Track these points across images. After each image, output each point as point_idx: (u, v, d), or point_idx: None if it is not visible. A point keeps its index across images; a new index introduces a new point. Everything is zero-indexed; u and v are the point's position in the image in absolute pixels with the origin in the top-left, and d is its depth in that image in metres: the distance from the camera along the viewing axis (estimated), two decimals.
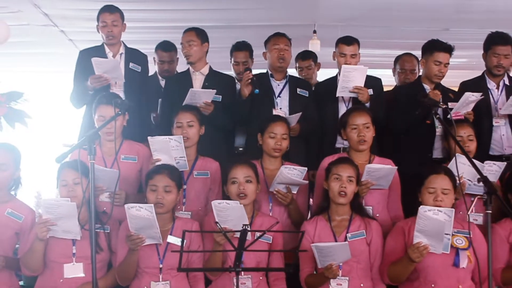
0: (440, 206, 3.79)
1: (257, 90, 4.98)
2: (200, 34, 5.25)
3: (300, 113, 4.96)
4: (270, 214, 4.44)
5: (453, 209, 3.67)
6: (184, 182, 4.49)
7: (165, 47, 6.15)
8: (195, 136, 4.61)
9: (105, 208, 4.35)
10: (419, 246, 3.67)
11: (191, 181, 4.56)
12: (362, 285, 4.02)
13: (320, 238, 4.08)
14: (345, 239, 4.05)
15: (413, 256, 3.69)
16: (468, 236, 3.90)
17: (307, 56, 6.57)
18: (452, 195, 3.96)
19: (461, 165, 4.14)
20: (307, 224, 4.18)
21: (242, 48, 6.04)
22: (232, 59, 6.08)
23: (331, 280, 3.95)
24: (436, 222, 3.62)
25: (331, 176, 4.13)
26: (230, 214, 3.83)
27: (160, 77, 6.07)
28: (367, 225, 4.12)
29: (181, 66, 6.25)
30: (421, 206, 3.71)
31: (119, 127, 4.53)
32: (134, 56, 5.39)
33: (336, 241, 4.05)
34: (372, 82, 5.23)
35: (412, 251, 3.69)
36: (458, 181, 4.22)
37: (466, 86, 5.33)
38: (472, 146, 4.64)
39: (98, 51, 5.22)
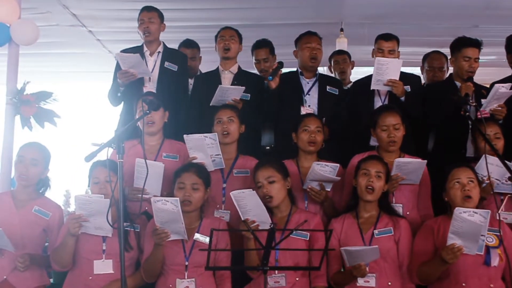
0: (469, 196, 3.81)
1: (270, 77, 4.96)
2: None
3: (323, 119, 4.92)
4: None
5: (489, 211, 3.63)
6: (224, 180, 4.54)
7: (188, 44, 6.19)
8: (236, 131, 4.63)
9: (146, 208, 4.36)
10: (454, 248, 3.63)
11: (231, 180, 4.57)
12: (389, 283, 4.00)
13: (347, 235, 4.08)
14: (372, 236, 4.04)
15: (447, 257, 3.65)
16: (498, 234, 3.86)
17: (342, 52, 6.66)
18: (478, 188, 3.93)
19: (489, 165, 4.10)
20: (334, 222, 4.17)
21: (262, 45, 6.06)
22: (254, 58, 6.10)
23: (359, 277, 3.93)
24: (472, 225, 3.58)
25: (360, 171, 4.13)
26: (247, 203, 3.87)
27: None
28: (395, 223, 4.09)
29: (204, 64, 6.30)
30: (456, 208, 3.67)
31: (160, 119, 4.64)
32: (172, 55, 5.44)
33: (362, 238, 4.04)
34: (411, 79, 5.20)
35: (446, 253, 3.65)
36: (486, 181, 4.19)
37: None
38: (499, 144, 4.57)
39: (136, 50, 5.29)
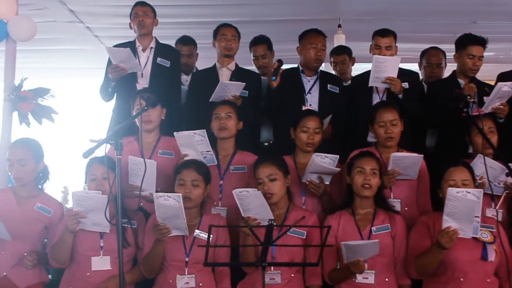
0: None
1: (274, 77, 4.96)
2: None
3: (330, 116, 4.92)
4: (303, 207, 4.43)
5: (482, 190, 3.62)
6: (221, 177, 4.53)
7: (184, 41, 6.19)
8: (233, 127, 4.63)
9: (141, 204, 4.38)
10: (449, 231, 3.62)
11: (228, 176, 4.57)
12: (386, 279, 4.00)
13: (344, 232, 4.07)
14: (370, 233, 4.04)
15: (443, 241, 3.63)
16: (493, 230, 3.88)
17: (342, 51, 6.59)
18: (473, 187, 3.92)
19: (482, 165, 4.12)
20: (331, 218, 4.16)
21: (260, 42, 6.05)
22: (252, 54, 6.10)
23: (357, 274, 3.93)
24: (465, 203, 3.56)
25: (354, 169, 4.12)
26: (251, 202, 3.87)
27: None
28: (392, 219, 4.09)
29: (200, 61, 6.29)
30: (449, 188, 3.66)
31: (157, 117, 4.65)
32: (164, 51, 5.44)
33: (361, 235, 4.04)
34: (409, 75, 5.20)
35: (441, 236, 3.63)
36: (478, 180, 4.20)
37: (504, 77, 5.20)
38: (493, 139, 4.54)
39: (129, 45, 5.26)
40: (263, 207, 3.88)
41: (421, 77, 6.12)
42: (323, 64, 5.57)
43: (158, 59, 5.35)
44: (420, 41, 7.08)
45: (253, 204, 3.87)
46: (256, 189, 3.94)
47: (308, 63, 5.28)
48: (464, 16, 6.98)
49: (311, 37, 5.28)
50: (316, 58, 5.23)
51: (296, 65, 5.40)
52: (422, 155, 4.40)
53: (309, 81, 5.29)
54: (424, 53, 6.08)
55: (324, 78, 5.35)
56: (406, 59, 7.28)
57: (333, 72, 6.36)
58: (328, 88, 5.26)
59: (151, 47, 5.40)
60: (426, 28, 7.44)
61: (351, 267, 3.82)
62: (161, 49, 5.43)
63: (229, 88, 4.96)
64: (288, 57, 5.49)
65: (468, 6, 6.70)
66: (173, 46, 5.92)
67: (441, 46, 6.04)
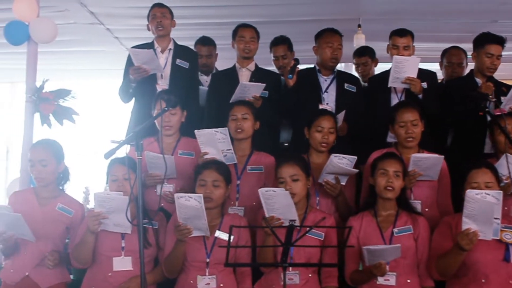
0: None
1: (290, 75, 4.95)
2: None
3: (344, 111, 4.89)
4: (317, 208, 4.42)
5: (501, 192, 3.59)
6: (238, 177, 4.53)
7: (204, 42, 6.21)
8: (250, 129, 4.62)
9: (162, 205, 4.41)
10: (469, 233, 3.59)
11: (245, 176, 4.57)
12: (408, 281, 3.98)
13: (366, 234, 4.06)
14: (392, 234, 4.03)
15: (462, 243, 3.60)
16: None
17: (364, 53, 6.61)
18: (497, 189, 3.86)
19: (510, 165, 4.08)
20: (353, 220, 4.15)
21: (280, 42, 6.06)
22: (272, 55, 6.10)
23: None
24: (485, 204, 3.53)
25: (378, 171, 4.10)
26: (276, 201, 3.84)
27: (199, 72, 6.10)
28: (414, 221, 4.07)
29: (220, 62, 6.30)
30: (468, 190, 3.63)
31: (177, 122, 4.66)
32: (182, 52, 5.45)
33: (382, 236, 4.02)
34: (427, 75, 5.17)
35: (461, 238, 3.60)
36: (505, 180, 4.17)
37: None
38: None
39: (147, 47, 5.29)
40: (289, 207, 3.85)
41: (441, 77, 6.11)
42: (342, 65, 5.56)
43: (177, 61, 5.36)
44: (440, 41, 7.04)
45: (278, 203, 3.85)
46: (283, 188, 3.91)
47: (324, 63, 5.26)
48: (484, 15, 6.93)
49: (327, 36, 5.26)
50: (332, 57, 5.21)
51: (312, 65, 5.39)
52: (443, 156, 4.37)
53: (325, 80, 5.27)
54: (445, 52, 6.06)
55: (341, 77, 5.33)
56: (426, 59, 7.25)
57: (356, 74, 6.34)
58: (345, 87, 5.24)
59: (170, 49, 5.41)
60: (446, 27, 7.40)
61: (373, 269, 3.80)
62: (180, 51, 5.44)
63: (249, 89, 4.96)
64: (308, 58, 5.48)
65: (489, 5, 6.65)
66: (192, 47, 5.93)
67: (461, 46, 6.01)
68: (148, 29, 5.45)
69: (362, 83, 5.78)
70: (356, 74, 6.55)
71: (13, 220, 4.00)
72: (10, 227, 4.03)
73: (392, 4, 6.72)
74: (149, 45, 5.38)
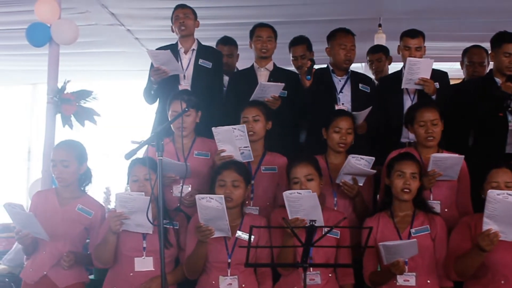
0: None
1: (308, 77, 4.93)
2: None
3: (369, 109, 4.86)
4: (335, 208, 4.42)
5: None
6: (252, 177, 4.51)
7: (225, 41, 6.23)
8: (261, 130, 4.62)
9: (179, 205, 4.43)
10: (490, 234, 3.56)
11: (259, 177, 4.57)
12: (428, 281, 3.96)
13: (383, 235, 4.04)
14: (409, 235, 4.01)
15: (483, 244, 3.56)
16: None
17: (378, 50, 6.62)
18: None
19: None
20: (370, 221, 4.13)
21: (299, 42, 6.06)
22: (291, 54, 6.09)
23: (398, 276, 3.89)
24: (507, 205, 3.49)
25: (394, 173, 4.08)
26: (302, 203, 3.82)
27: None
28: (431, 221, 4.05)
29: (241, 62, 6.30)
30: (490, 190, 3.59)
31: (191, 123, 4.66)
32: (206, 52, 5.45)
33: (400, 237, 4.00)
34: (439, 76, 5.14)
35: (481, 239, 3.57)
36: None
37: None
38: None
39: (171, 48, 5.30)
40: (314, 208, 3.83)
41: (463, 76, 6.07)
42: (363, 64, 5.54)
43: (200, 61, 5.35)
44: (461, 40, 6.99)
45: (305, 205, 3.82)
46: (310, 190, 3.87)
47: (338, 64, 5.24)
48: (506, 13, 6.86)
49: (340, 37, 5.23)
50: (346, 59, 5.19)
51: (325, 65, 5.37)
52: (463, 156, 4.34)
53: (340, 80, 5.26)
54: (466, 51, 6.01)
55: (355, 77, 5.31)
56: (446, 58, 7.23)
57: (370, 71, 6.32)
58: (360, 88, 5.23)
59: (193, 49, 5.41)
60: (467, 26, 7.34)
61: (391, 268, 3.79)
62: (203, 51, 5.44)
63: (268, 89, 4.96)
64: (328, 58, 5.46)
65: (510, 3, 6.59)
66: (212, 46, 5.94)
67: (483, 45, 5.96)
68: (172, 31, 5.47)
69: (375, 81, 5.76)
70: (369, 71, 6.54)
71: (27, 219, 4.04)
72: (25, 226, 4.07)
73: (412, 3, 6.68)
74: (173, 46, 5.39)
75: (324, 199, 4.33)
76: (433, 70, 5.05)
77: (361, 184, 4.40)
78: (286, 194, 3.84)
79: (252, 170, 4.55)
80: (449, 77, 5.40)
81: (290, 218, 3.83)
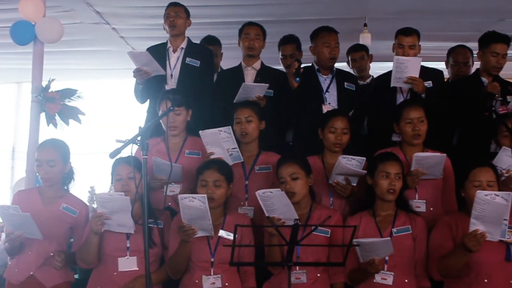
0: None
1: (298, 79, 4.93)
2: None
3: (353, 111, 4.88)
4: (331, 208, 4.42)
5: (510, 193, 3.52)
6: (246, 177, 4.54)
7: (209, 41, 6.20)
8: (254, 131, 4.61)
9: (170, 204, 4.40)
10: (476, 234, 3.56)
11: (253, 176, 4.57)
12: (406, 281, 3.97)
13: (365, 234, 4.04)
14: (391, 235, 4.01)
15: (470, 244, 3.57)
16: None
17: (359, 48, 6.64)
18: (497, 188, 3.85)
19: (508, 158, 4.06)
20: (351, 220, 4.13)
21: (288, 41, 6.06)
22: (280, 53, 6.08)
23: (376, 274, 3.91)
24: (495, 206, 3.50)
25: (379, 173, 4.08)
26: (274, 202, 3.85)
27: None
28: (412, 221, 4.07)
29: (226, 61, 6.29)
30: (478, 191, 3.58)
31: (182, 122, 4.64)
32: (194, 51, 5.42)
33: (381, 236, 4.01)
34: (433, 74, 5.17)
35: (468, 240, 3.57)
36: (505, 174, 4.16)
37: None
38: None
39: (161, 47, 5.31)
40: (288, 206, 3.87)
41: (447, 76, 6.09)
42: (345, 64, 5.54)
43: (187, 59, 5.33)
44: (447, 40, 7.03)
45: (277, 204, 3.86)
46: (279, 189, 3.92)
47: (322, 63, 5.25)
48: (491, 13, 6.90)
49: (323, 36, 5.24)
50: (330, 57, 5.20)
51: (310, 64, 5.37)
52: (445, 154, 4.35)
53: (325, 79, 5.26)
54: (451, 51, 6.04)
55: (340, 76, 5.31)
56: (432, 58, 7.25)
57: (351, 71, 6.34)
58: (345, 86, 5.24)
59: (182, 48, 5.39)
60: (453, 26, 7.37)
61: (367, 266, 3.81)
62: (192, 49, 5.41)
63: (252, 89, 4.95)
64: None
65: (495, 4, 6.63)
66: (202, 45, 5.90)
67: (467, 44, 5.99)
68: (164, 29, 5.44)
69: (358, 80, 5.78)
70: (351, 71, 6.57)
71: (22, 220, 4.02)
72: (18, 227, 4.05)
73: (398, 3, 6.71)
74: (163, 45, 5.39)
75: (320, 199, 4.36)
76: (428, 68, 5.09)
77: (354, 184, 4.41)
78: (259, 193, 3.87)
79: (246, 170, 4.57)
80: None
81: (266, 215, 3.86)
